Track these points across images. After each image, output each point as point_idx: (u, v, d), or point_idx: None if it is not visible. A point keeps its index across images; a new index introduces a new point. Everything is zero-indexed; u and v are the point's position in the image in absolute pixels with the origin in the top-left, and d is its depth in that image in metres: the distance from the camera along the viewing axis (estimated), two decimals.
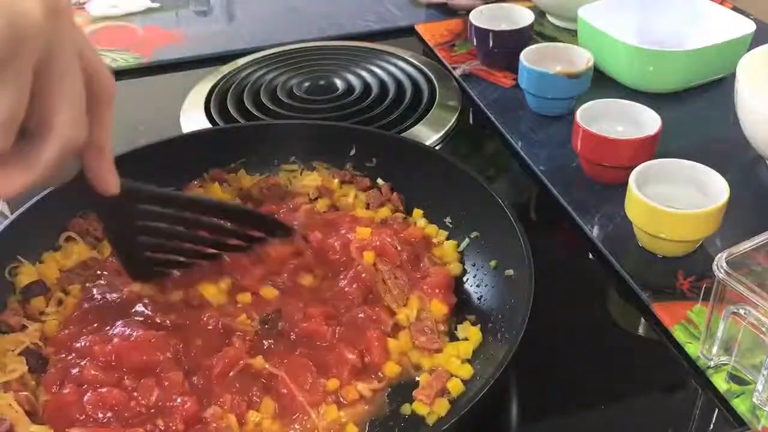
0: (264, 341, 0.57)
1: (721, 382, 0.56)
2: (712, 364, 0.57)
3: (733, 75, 0.76)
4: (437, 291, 0.62)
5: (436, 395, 0.53)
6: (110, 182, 0.49)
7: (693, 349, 0.58)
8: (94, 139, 0.45)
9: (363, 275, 0.62)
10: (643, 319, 0.63)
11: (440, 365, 0.56)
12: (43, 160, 0.41)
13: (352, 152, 0.74)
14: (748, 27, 0.89)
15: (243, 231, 0.62)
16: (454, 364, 0.56)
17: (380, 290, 0.61)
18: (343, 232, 0.67)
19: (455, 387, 0.54)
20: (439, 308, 0.60)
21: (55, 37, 0.39)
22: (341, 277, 0.63)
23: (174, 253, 0.60)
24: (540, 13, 1.12)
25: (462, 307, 0.62)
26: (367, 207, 0.72)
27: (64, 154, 0.42)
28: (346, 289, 0.61)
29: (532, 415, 0.56)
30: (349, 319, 0.59)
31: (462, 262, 0.66)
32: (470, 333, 0.59)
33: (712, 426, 0.54)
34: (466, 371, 0.55)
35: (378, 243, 0.64)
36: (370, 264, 0.63)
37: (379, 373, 0.56)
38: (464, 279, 0.65)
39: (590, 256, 0.70)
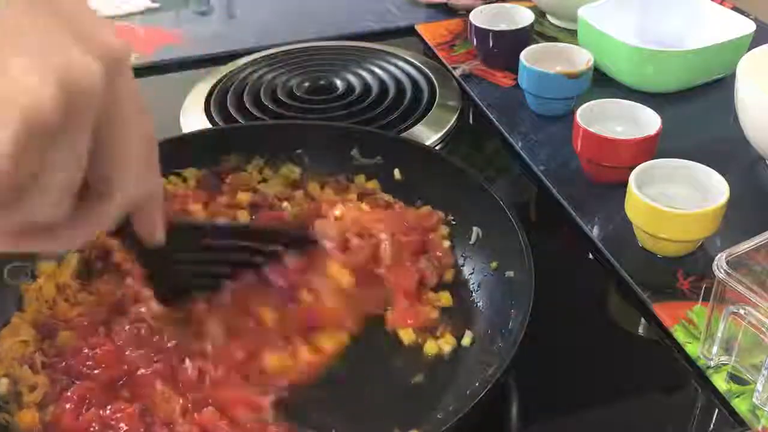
0: None
1: (721, 382, 0.56)
2: (712, 364, 0.57)
3: (733, 75, 0.76)
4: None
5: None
6: (159, 234, 0.47)
7: (693, 349, 0.58)
8: (152, 191, 0.44)
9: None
10: (643, 319, 0.63)
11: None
12: (106, 217, 0.39)
13: (354, 152, 0.74)
14: (748, 27, 0.89)
15: (266, 248, 0.61)
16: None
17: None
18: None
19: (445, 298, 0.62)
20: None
21: (114, 96, 0.36)
22: None
23: (204, 276, 0.59)
24: (540, 13, 1.12)
25: (463, 308, 0.62)
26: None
27: (128, 209, 0.42)
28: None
29: (532, 415, 0.56)
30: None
31: (462, 264, 0.66)
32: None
33: (712, 426, 0.54)
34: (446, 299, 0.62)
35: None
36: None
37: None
38: (464, 281, 0.65)
39: (590, 256, 0.70)
